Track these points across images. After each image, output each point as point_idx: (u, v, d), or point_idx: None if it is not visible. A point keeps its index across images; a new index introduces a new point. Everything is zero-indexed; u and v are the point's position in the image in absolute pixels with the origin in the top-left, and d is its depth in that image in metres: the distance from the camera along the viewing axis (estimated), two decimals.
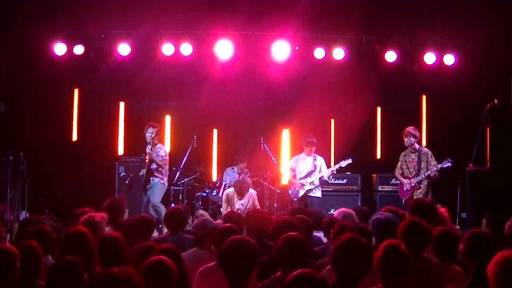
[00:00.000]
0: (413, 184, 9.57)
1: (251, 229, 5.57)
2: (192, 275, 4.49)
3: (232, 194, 10.28)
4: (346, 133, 12.04)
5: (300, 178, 10.27)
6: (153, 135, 9.95)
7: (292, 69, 11.83)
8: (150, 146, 10.00)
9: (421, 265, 4.51)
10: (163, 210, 9.56)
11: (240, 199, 10.19)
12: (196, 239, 5.43)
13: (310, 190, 10.23)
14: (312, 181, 10.21)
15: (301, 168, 10.31)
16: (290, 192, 10.49)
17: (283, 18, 10.79)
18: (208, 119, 12.45)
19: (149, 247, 4.43)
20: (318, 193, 10.32)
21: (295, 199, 10.31)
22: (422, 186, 9.56)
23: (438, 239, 4.80)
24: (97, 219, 5.73)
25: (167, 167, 10.22)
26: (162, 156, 10.04)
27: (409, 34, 11.35)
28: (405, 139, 9.61)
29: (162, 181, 10.09)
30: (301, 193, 10.23)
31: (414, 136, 9.60)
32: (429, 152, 9.63)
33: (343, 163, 10.22)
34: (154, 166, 10.00)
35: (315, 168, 10.24)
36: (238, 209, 9.93)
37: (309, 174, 10.25)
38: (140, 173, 10.41)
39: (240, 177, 11.58)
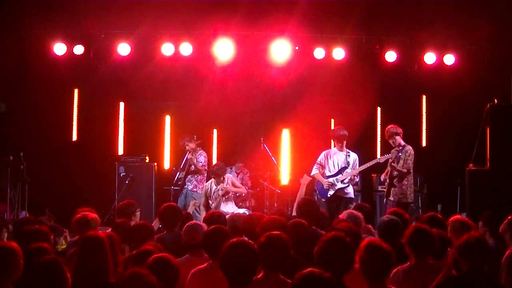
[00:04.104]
0: (384, 183, 9.17)
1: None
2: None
3: (210, 184, 9.69)
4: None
5: (329, 176, 9.31)
6: (188, 146, 10.35)
7: (292, 69, 11.83)
8: (190, 154, 10.34)
9: (426, 270, 4.54)
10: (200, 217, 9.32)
11: (217, 184, 9.62)
12: (189, 245, 5.20)
13: (341, 189, 9.23)
14: (344, 179, 9.22)
15: (331, 165, 9.35)
16: (317, 191, 9.62)
17: (283, 18, 10.78)
18: (208, 119, 12.45)
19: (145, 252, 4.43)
20: (351, 193, 9.31)
21: (322, 199, 9.38)
22: (396, 185, 8.95)
23: None
24: (89, 218, 5.74)
25: (205, 173, 10.42)
26: (201, 162, 10.31)
27: (409, 34, 11.35)
28: (390, 141, 9.14)
29: (195, 188, 10.30)
30: (331, 193, 9.25)
31: (398, 134, 9.08)
32: (408, 150, 9.03)
33: (382, 159, 9.23)
34: (192, 168, 10.33)
35: (348, 165, 9.27)
36: (214, 192, 9.57)
37: (340, 171, 9.28)
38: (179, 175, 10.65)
39: (239, 177, 11.60)
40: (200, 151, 10.43)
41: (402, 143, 9.18)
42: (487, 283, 4.18)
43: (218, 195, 9.49)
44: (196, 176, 10.39)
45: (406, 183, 8.97)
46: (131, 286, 3.44)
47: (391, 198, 8.98)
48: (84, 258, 4.21)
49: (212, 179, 9.74)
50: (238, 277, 3.85)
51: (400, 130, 9.18)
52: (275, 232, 4.28)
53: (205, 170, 10.40)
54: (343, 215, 6.16)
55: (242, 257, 3.86)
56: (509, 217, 5.40)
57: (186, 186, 10.43)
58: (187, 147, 10.38)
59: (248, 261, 3.87)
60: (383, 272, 3.97)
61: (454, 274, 4.32)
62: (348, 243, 4.03)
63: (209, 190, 9.66)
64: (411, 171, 8.98)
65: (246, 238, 4.56)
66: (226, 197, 9.55)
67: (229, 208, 9.44)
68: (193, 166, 10.29)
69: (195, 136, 11.31)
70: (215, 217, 6.03)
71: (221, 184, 9.54)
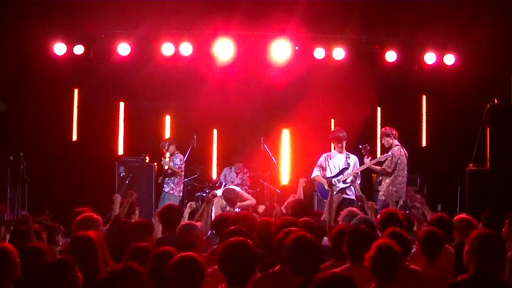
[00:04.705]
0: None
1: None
2: None
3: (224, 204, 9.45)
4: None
5: (330, 177, 9.24)
6: (166, 148, 10.54)
7: (292, 69, 11.83)
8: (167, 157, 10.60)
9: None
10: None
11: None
12: (184, 245, 5.16)
13: (343, 190, 9.17)
14: (345, 180, 9.16)
15: (332, 166, 9.33)
16: (318, 191, 9.65)
17: (283, 18, 10.79)
18: (208, 119, 12.45)
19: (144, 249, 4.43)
20: (352, 194, 9.24)
21: (324, 200, 8.91)
22: (382, 183, 9.33)
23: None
24: (93, 219, 5.75)
25: (182, 175, 10.72)
26: (177, 164, 10.51)
27: (409, 34, 11.36)
28: (382, 142, 9.45)
29: (172, 191, 10.54)
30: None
31: (388, 135, 9.34)
32: (391, 152, 9.20)
33: (382, 158, 9.32)
34: (169, 171, 10.59)
35: (348, 166, 9.27)
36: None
37: (341, 172, 9.26)
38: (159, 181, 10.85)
39: (238, 177, 11.60)
40: (177, 154, 10.65)
41: (395, 143, 9.31)
42: (494, 285, 4.12)
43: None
44: (173, 179, 10.55)
45: (388, 181, 9.21)
46: (122, 282, 3.39)
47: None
48: (74, 257, 4.21)
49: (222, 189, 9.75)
50: (236, 277, 3.79)
51: (392, 132, 9.35)
52: (292, 228, 4.46)
53: (182, 171, 10.63)
54: (343, 213, 6.19)
55: (241, 256, 3.80)
56: (507, 221, 5.40)
57: (163, 189, 10.60)
58: (165, 150, 10.52)
59: (246, 260, 3.81)
60: (391, 272, 3.97)
61: (459, 279, 4.27)
62: (315, 242, 4.10)
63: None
64: (390, 171, 9.17)
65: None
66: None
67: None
68: (169, 169, 10.53)
69: (195, 137, 11.38)
70: (223, 219, 6.04)
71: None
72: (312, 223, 5.54)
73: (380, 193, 9.35)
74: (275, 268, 4.31)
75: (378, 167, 9.29)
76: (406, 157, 9.32)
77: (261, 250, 5.10)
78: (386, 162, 9.22)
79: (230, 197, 9.26)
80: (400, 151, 9.26)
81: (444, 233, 5.20)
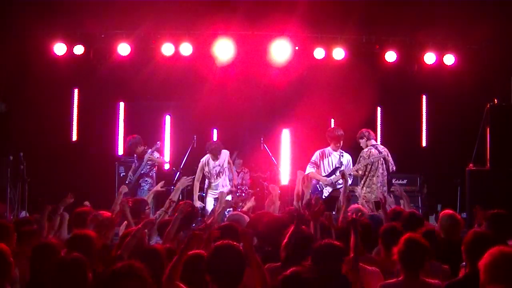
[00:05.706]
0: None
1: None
2: None
3: (205, 160, 9.96)
4: (346, 133, 11.99)
5: (324, 176, 9.20)
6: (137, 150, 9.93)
7: (292, 69, 11.83)
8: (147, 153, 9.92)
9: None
10: None
11: (214, 160, 9.94)
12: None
13: (337, 190, 9.04)
14: (338, 180, 9.03)
15: (326, 165, 9.25)
16: (310, 190, 9.36)
17: (283, 18, 10.79)
18: (208, 119, 12.45)
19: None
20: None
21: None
22: (358, 185, 9.31)
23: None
24: (106, 218, 5.76)
25: (164, 162, 10.47)
26: (158, 157, 10.04)
27: (409, 34, 11.36)
28: (361, 144, 9.33)
29: (152, 188, 9.80)
30: (325, 194, 9.12)
31: (361, 137, 9.25)
32: (360, 154, 9.18)
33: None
34: (144, 170, 9.90)
35: (341, 165, 9.16)
36: (214, 167, 9.93)
37: (333, 171, 9.17)
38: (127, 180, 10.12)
39: (239, 176, 11.59)
40: (149, 151, 9.93)
41: (371, 143, 9.20)
42: None
43: (216, 171, 9.97)
44: (151, 174, 10.03)
45: (362, 182, 9.16)
46: (124, 279, 3.38)
47: None
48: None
49: (208, 155, 9.96)
50: (225, 280, 3.71)
51: (365, 134, 9.24)
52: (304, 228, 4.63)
53: (164, 160, 10.37)
54: (350, 209, 6.18)
55: (229, 259, 3.74)
56: (484, 223, 5.42)
57: (141, 187, 10.02)
58: (137, 150, 9.95)
59: (235, 263, 3.75)
60: (419, 265, 4.17)
61: (455, 280, 4.32)
62: (341, 247, 4.18)
63: (206, 165, 10.00)
64: (362, 173, 9.08)
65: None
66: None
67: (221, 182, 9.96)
68: (144, 169, 9.90)
69: (195, 137, 11.30)
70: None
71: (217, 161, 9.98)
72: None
73: (356, 194, 9.12)
74: (277, 264, 4.42)
75: (356, 173, 9.21)
76: (380, 154, 9.06)
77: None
78: (358, 165, 9.11)
79: (212, 149, 9.92)
80: (369, 152, 9.09)
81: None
